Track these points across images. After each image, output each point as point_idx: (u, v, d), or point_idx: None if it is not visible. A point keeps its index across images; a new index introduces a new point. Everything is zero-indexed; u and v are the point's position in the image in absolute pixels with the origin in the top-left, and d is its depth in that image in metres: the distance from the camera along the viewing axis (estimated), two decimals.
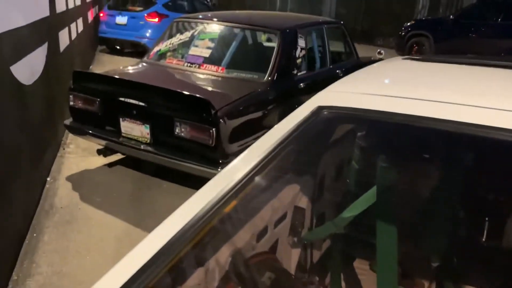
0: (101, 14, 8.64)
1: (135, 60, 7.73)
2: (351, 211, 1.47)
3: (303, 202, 1.51)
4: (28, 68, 2.62)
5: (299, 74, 3.36)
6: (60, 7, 4.09)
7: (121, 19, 8.19)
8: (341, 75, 3.96)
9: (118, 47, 8.69)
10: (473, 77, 1.30)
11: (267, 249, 1.35)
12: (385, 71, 1.47)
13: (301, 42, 3.42)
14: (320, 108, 1.09)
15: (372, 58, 5.11)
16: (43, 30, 3.19)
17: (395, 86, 1.19)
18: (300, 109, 1.16)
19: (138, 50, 8.13)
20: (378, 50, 5.32)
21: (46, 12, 3.33)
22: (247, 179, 0.94)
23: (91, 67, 7.07)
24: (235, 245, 1.22)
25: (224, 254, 1.13)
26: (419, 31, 9.40)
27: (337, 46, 4.53)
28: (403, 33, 9.76)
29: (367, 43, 13.38)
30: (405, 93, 1.07)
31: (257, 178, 1.06)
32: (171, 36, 3.63)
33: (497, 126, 0.86)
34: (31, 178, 2.64)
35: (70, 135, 3.64)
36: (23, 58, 2.50)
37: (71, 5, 4.93)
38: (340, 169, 1.39)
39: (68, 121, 3.14)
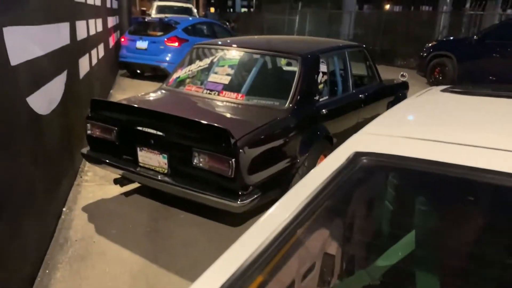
0: (122, 39, 8.78)
1: (155, 84, 7.82)
2: (387, 260, 1.32)
3: (333, 249, 1.38)
4: (46, 98, 2.59)
5: (321, 100, 3.25)
6: (81, 34, 4.12)
7: (142, 44, 8.30)
8: (364, 99, 3.84)
9: (138, 71, 8.79)
10: None
11: None
12: (425, 108, 1.34)
13: (323, 67, 3.32)
14: (357, 155, 0.96)
15: (395, 81, 4.98)
16: (63, 58, 3.18)
17: (439, 128, 1.07)
18: (336, 154, 1.03)
19: (158, 74, 8.22)
20: (401, 73, 5.18)
21: (66, 41, 3.34)
22: (283, 238, 0.82)
23: (111, 91, 7.13)
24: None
25: None
26: (441, 52, 9.21)
27: (359, 70, 4.42)
28: (424, 54, 9.60)
29: (387, 63, 13.26)
30: (450, 137, 0.94)
31: (291, 232, 0.94)
32: (190, 62, 3.59)
33: None
34: (47, 210, 2.58)
35: (87, 163, 3.59)
36: (40, 88, 2.46)
37: (92, 32, 4.98)
38: (375, 215, 1.26)
39: (85, 150, 3.09)
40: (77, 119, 3.50)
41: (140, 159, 2.78)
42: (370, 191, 1.10)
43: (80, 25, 4.07)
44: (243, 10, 37.59)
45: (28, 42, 2.27)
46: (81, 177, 3.54)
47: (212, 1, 50.50)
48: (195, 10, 15.38)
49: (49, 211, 2.64)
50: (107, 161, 2.94)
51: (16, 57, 1.99)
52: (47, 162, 2.63)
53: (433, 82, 9.28)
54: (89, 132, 2.99)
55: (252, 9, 31.31)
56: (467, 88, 1.46)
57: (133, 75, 8.87)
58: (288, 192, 0.98)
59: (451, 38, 10.79)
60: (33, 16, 2.39)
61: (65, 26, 3.31)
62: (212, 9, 46.67)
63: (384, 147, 0.97)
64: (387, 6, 28.29)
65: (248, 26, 23.22)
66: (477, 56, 8.50)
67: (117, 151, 2.91)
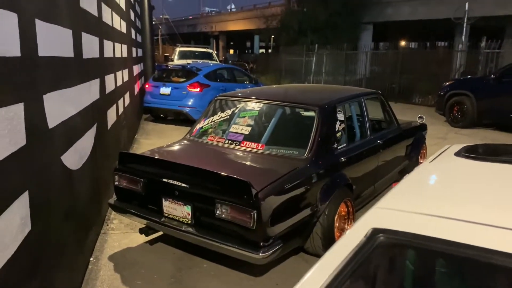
0: (147, 86, 9.16)
1: (177, 127, 8.04)
2: None
3: None
4: (77, 154, 2.74)
5: (339, 147, 3.33)
6: (110, 87, 4.36)
7: (165, 90, 8.64)
8: (382, 144, 3.89)
9: (162, 116, 9.10)
10: None
11: None
12: (439, 178, 1.39)
13: (340, 116, 3.42)
14: (375, 232, 1.02)
15: (413, 124, 5.03)
16: (93, 113, 3.37)
17: (453, 203, 1.11)
18: (355, 230, 1.09)
19: (180, 118, 8.48)
20: (419, 115, 5.23)
21: (96, 96, 3.55)
22: None
23: (136, 136, 7.38)
24: None
25: None
26: (459, 91, 9.24)
27: (377, 115, 4.50)
28: (442, 93, 9.63)
29: (405, 101, 13.31)
30: (469, 215, 0.98)
31: None
32: (212, 113, 3.75)
33: None
34: (75, 262, 2.67)
35: (113, 212, 3.71)
36: (73, 145, 2.62)
37: (119, 83, 5.26)
38: None
39: (112, 200, 3.21)
40: (105, 170, 3.66)
41: (164, 209, 2.87)
42: (388, 269, 1.13)
43: (109, 79, 4.32)
44: (261, 51, 38.64)
45: (64, 104, 2.45)
46: (107, 225, 3.65)
47: (232, 43, 52.25)
48: (215, 54, 15.94)
49: (77, 263, 2.73)
50: (133, 211, 3.05)
51: (53, 119, 2.16)
52: (77, 215, 2.75)
53: (452, 121, 9.26)
54: (116, 183, 3.12)
55: (269, 51, 32.15)
56: (481, 151, 1.49)
57: (156, 119, 9.18)
58: (311, 269, 1.03)
59: (469, 77, 10.82)
60: (69, 79, 2.59)
61: (95, 83, 3.54)
62: (232, 51, 48.20)
63: (402, 224, 1.02)
64: (403, 43, 28.67)
65: (267, 67, 23.83)
66: (495, 95, 8.50)
67: (142, 202, 3.02)
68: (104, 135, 3.90)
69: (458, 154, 1.47)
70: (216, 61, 15.05)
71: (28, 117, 1.78)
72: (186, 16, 50.05)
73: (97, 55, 3.65)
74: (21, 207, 1.68)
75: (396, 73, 14.53)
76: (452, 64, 13.68)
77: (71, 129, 2.60)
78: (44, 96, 2.04)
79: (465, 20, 14.64)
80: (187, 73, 8.78)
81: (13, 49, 1.68)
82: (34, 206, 1.80)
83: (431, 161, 1.55)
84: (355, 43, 20.00)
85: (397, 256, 1.07)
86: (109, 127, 4.21)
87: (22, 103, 1.73)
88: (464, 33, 14.92)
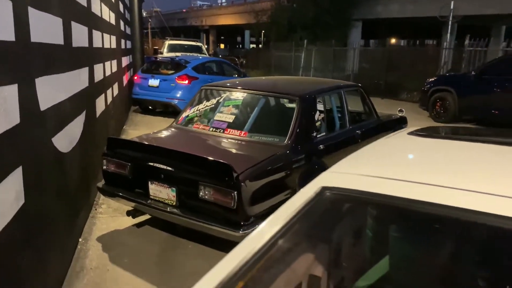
0: (135, 77, 9.24)
1: (165, 119, 8.17)
2: (366, 280, 1.51)
3: (318, 271, 1.56)
4: (67, 137, 2.87)
5: (318, 136, 3.50)
6: (99, 76, 4.47)
7: (154, 82, 8.73)
8: (361, 134, 4.07)
9: (150, 107, 9.20)
10: (477, 157, 1.37)
11: None
12: (389, 151, 1.57)
13: (320, 106, 3.59)
14: (323, 189, 1.19)
15: (393, 117, 5.22)
16: (82, 100, 3.49)
17: (396, 168, 1.28)
18: (305, 189, 1.26)
19: (169, 110, 8.59)
20: (399, 109, 5.42)
21: (85, 84, 3.67)
22: (259, 256, 1.04)
23: (124, 127, 7.48)
24: None
25: None
26: (442, 87, 9.50)
27: (357, 107, 4.69)
28: (425, 89, 9.89)
29: (392, 97, 13.57)
30: (405, 175, 1.15)
31: (269, 253, 1.16)
32: (198, 102, 3.89)
33: (484, 211, 0.94)
34: (65, 240, 2.80)
35: (102, 196, 3.84)
36: (63, 128, 2.75)
37: (108, 73, 5.36)
38: (351, 242, 1.46)
39: (100, 184, 3.34)
40: (93, 156, 3.78)
41: (151, 192, 3.02)
42: (334, 220, 1.31)
43: (98, 68, 4.43)
44: (252, 46, 38.72)
45: (54, 89, 2.58)
46: (95, 209, 3.78)
47: (222, 37, 52.19)
48: (204, 48, 16.02)
49: (67, 242, 2.87)
50: (121, 194, 3.18)
51: (44, 102, 2.29)
52: (67, 196, 2.88)
53: (435, 116, 9.52)
54: (104, 167, 3.25)
55: (260, 46, 32.24)
56: (432, 131, 1.68)
57: (145, 111, 9.27)
58: (265, 221, 1.20)
59: (452, 73, 11.11)
60: (59, 66, 2.71)
61: (84, 71, 3.65)
62: (222, 46, 48.17)
63: (347, 183, 1.19)
64: (393, 40, 29.02)
65: (257, 62, 23.94)
66: (476, 91, 8.77)
67: (130, 185, 3.15)
68: (93, 122, 4.01)
69: (411, 133, 1.65)
70: (206, 54, 15.14)
71: (21, 98, 1.90)
72: (177, 9, 49.83)
73: (86, 44, 3.76)
74: (15, 180, 1.82)
75: (384, 70, 14.78)
76: (438, 61, 13.97)
77: (61, 114, 2.72)
78: (36, 80, 2.17)
79: (450, 19, 14.93)
80: (175, 65, 8.88)
81: (8, 34, 1.81)
82: (27, 182, 1.93)
83: (385, 138, 1.73)
84: (344, 40, 20.24)
85: (343, 209, 1.24)
86: (97, 115, 4.32)
87: (16, 85, 1.86)
88: (449, 32, 15.22)
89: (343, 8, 20.49)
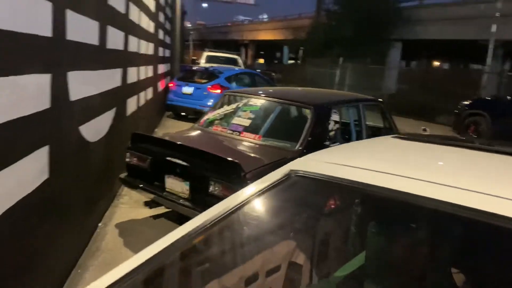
0: (171, 84, 9.67)
1: None
2: (343, 271, 1.63)
3: (299, 258, 1.69)
4: (94, 128, 3.15)
5: (331, 145, 3.61)
6: (132, 79, 4.81)
7: (188, 89, 9.11)
8: None
9: (183, 114, 9.58)
10: (443, 157, 1.48)
11: None
12: (363, 147, 1.69)
13: (335, 117, 3.71)
14: (291, 171, 1.34)
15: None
16: (113, 98, 3.79)
17: (369, 160, 1.41)
18: (277, 171, 1.41)
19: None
20: (423, 128, 5.42)
21: (118, 83, 3.98)
22: (220, 219, 1.21)
23: (156, 129, 7.84)
24: (223, 282, 1.43)
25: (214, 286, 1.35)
26: (476, 110, 9.32)
27: (377, 122, 4.76)
28: (459, 112, 9.73)
29: (427, 120, 13.31)
30: (369, 165, 1.28)
31: (235, 224, 1.33)
32: (220, 106, 4.12)
33: (440, 199, 1.05)
34: (84, 222, 3.06)
35: (125, 188, 4.11)
36: (91, 120, 3.03)
37: (142, 77, 5.71)
38: (316, 222, 1.59)
39: (123, 175, 3.60)
40: (119, 150, 4.07)
41: (167, 185, 3.24)
42: (299, 199, 1.45)
43: (131, 71, 4.76)
44: (291, 62, 39.10)
45: (85, 84, 2.86)
46: (118, 199, 4.05)
47: (262, 52, 52.98)
48: (240, 61, 16.42)
49: (86, 224, 3.13)
50: (141, 185, 3.42)
51: (74, 94, 2.56)
52: (89, 182, 3.15)
53: None
54: (127, 160, 3.51)
55: (298, 62, 32.53)
56: (415, 136, 1.78)
57: (177, 117, 9.65)
58: (228, 198, 1.36)
59: (486, 97, 10.86)
60: (92, 63, 3.00)
61: (117, 72, 3.97)
62: (262, 60, 48.84)
63: (315, 168, 1.33)
64: (437, 63, 28.39)
65: (292, 77, 24.17)
66: (511, 115, 8.55)
67: (149, 178, 3.39)
68: (122, 120, 4.32)
69: (394, 136, 1.77)
70: (241, 67, 15.51)
71: (53, 86, 2.17)
72: (219, 23, 51.16)
73: (121, 47, 4.08)
74: (42, 156, 2.07)
75: (421, 91, 14.56)
76: (479, 86, 13.66)
77: (90, 106, 3.01)
78: (68, 73, 2.45)
79: (492, 42, 14.58)
80: (209, 75, 9.24)
81: (46, 31, 2.09)
82: (52, 160, 2.19)
83: (368, 140, 1.85)
84: (382, 58, 20.12)
85: (308, 190, 1.38)
86: (127, 114, 4.63)
87: (50, 74, 2.13)
88: (491, 55, 14.85)
89: (382, 28, 20.41)
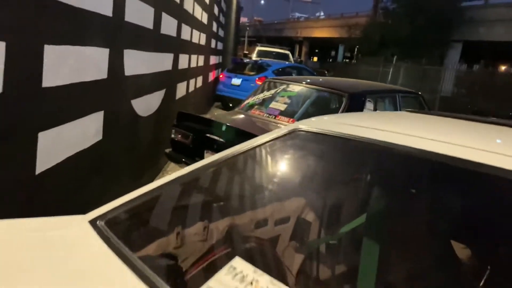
0: (221, 76, 10.07)
1: None
2: (346, 227, 1.80)
3: (307, 214, 1.88)
4: (145, 105, 3.51)
5: None
6: (183, 65, 5.18)
7: (236, 81, 9.46)
8: None
9: (230, 105, 9.94)
10: (450, 125, 1.62)
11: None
12: (370, 114, 1.85)
13: (369, 105, 3.84)
14: (294, 129, 1.55)
15: None
16: (164, 80, 4.16)
17: (366, 121, 1.58)
18: (281, 129, 1.63)
19: None
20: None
21: (169, 67, 4.35)
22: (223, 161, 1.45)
23: None
24: (235, 219, 1.64)
25: (223, 223, 1.58)
26: None
27: None
28: None
29: None
30: (371, 125, 1.46)
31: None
32: (261, 92, 4.37)
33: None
34: (129, 187, 3.43)
35: (171, 165, 4.48)
36: (142, 96, 3.39)
37: (193, 65, 6.10)
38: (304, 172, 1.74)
39: (168, 150, 3.96)
40: (166, 128, 4.44)
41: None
42: (300, 152, 1.64)
43: (183, 58, 5.13)
44: (345, 60, 38.58)
45: (139, 62, 3.22)
46: (163, 174, 4.43)
47: (316, 51, 52.65)
48: (291, 57, 16.58)
49: (127, 192, 3.49)
50: (183, 160, 3.76)
51: (129, 70, 2.92)
52: (136, 152, 3.52)
53: None
54: (172, 136, 3.86)
55: (353, 60, 32.05)
56: (426, 112, 1.91)
57: (225, 107, 10.03)
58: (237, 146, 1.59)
59: None
60: (145, 45, 3.36)
61: (169, 56, 4.33)
62: (315, 59, 48.59)
63: (316, 127, 1.53)
64: (504, 67, 26.76)
65: (344, 75, 23.93)
66: None
67: (190, 153, 3.72)
68: (171, 102, 4.69)
69: (407, 110, 1.92)
70: (292, 62, 15.68)
71: (110, 60, 2.52)
72: (275, 20, 51.44)
73: (174, 34, 4.45)
74: (97, 119, 2.43)
75: (481, 96, 13.94)
76: None
77: (142, 84, 3.37)
78: (124, 50, 2.80)
79: None
80: (258, 67, 9.53)
81: (108, 11, 2.44)
82: (106, 125, 2.55)
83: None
84: (438, 59, 19.42)
85: (309, 145, 1.57)
86: (176, 98, 5.01)
87: (108, 49, 2.48)
88: None
89: (442, 28, 19.69)
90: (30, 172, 1.75)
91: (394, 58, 18.11)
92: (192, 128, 3.69)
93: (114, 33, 2.60)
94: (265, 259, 1.21)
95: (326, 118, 1.74)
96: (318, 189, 1.58)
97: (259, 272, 0.84)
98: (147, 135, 3.78)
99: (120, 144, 3.02)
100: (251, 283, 0.81)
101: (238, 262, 0.87)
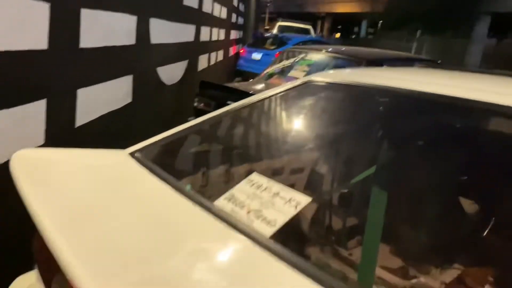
0: (241, 51, 10.15)
1: None
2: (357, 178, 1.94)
3: (320, 166, 2.02)
4: (169, 73, 3.69)
5: None
6: (204, 37, 5.31)
7: (256, 55, 9.53)
8: None
9: (251, 80, 10.04)
10: (463, 76, 1.72)
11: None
12: (388, 68, 1.96)
13: None
14: (309, 81, 1.69)
15: None
16: (187, 51, 4.32)
17: (382, 72, 1.70)
18: (295, 81, 1.76)
19: None
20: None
21: (191, 38, 4.50)
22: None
23: None
24: (254, 165, 1.78)
25: (243, 168, 1.75)
26: None
27: None
28: None
29: None
30: (385, 75, 1.58)
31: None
32: (280, 60, 4.49)
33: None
34: None
35: None
36: (166, 65, 3.56)
37: (214, 38, 6.22)
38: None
39: (191, 118, 4.14)
40: (188, 98, 4.62)
41: None
42: (313, 103, 1.76)
43: (204, 30, 5.26)
44: (369, 37, 37.77)
45: (163, 31, 3.38)
46: None
47: (339, 27, 51.58)
48: (312, 31, 16.45)
49: None
50: None
51: (154, 38, 3.08)
52: (162, 117, 3.72)
53: None
54: (195, 104, 4.04)
55: (375, 36, 31.33)
56: (436, 65, 2.01)
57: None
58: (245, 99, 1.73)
59: None
60: (169, 15, 3.51)
61: (192, 28, 4.48)
62: (338, 35, 47.69)
63: (328, 78, 1.66)
64: None
65: None
66: None
67: None
68: (193, 73, 4.86)
69: (420, 65, 2.03)
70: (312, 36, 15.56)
71: (138, 28, 2.69)
72: None
73: (196, 6, 4.57)
74: (127, 82, 2.62)
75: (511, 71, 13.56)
76: None
77: (166, 53, 3.54)
78: (150, 19, 2.96)
79: None
80: (278, 41, 9.57)
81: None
82: (135, 88, 2.74)
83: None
84: (467, 33, 18.84)
85: (324, 94, 1.69)
86: (198, 69, 5.18)
87: (136, 17, 2.65)
88: None
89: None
90: (70, 125, 1.96)
91: (418, 33, 17.69)
92: (214, 96, 3.86)
93: (141, 2, 2.76)
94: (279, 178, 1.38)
95: (337, 71, 1.86)
96: (333, 134, 1.70)
97: (272, 182, 1.00)
98: (171, 103, 3.97)
99: (147, 109, 3.22)
100: (265, 189, 0.98)
101: (255, 176, 1.04)
